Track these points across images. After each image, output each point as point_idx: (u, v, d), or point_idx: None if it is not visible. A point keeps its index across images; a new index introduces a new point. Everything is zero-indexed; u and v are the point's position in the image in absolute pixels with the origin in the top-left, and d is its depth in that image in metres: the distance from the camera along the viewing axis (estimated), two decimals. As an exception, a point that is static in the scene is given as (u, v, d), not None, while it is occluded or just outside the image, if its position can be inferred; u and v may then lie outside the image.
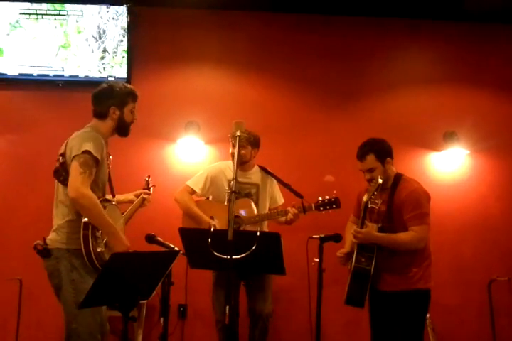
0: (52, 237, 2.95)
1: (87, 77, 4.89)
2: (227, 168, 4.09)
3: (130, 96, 3.10)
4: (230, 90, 5.07)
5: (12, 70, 4.86)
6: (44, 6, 4.85)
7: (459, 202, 5.04)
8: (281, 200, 4.22)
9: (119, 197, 3.27)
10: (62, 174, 2.94)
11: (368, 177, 3.43)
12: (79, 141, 2.90)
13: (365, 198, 3.33)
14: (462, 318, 4.91)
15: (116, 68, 4.89)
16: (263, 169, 4.17)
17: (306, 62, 5.12)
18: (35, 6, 4.84)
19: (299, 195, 4.03)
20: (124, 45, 4.88)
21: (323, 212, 3.93)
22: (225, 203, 3.90)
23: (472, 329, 4.91)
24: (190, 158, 4.97)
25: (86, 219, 2.87)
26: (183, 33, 5.05)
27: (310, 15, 5.13)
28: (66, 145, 2.97)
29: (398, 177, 3.43)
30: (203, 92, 5.01)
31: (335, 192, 4.05)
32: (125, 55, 4.88)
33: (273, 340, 4.25)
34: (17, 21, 4.84)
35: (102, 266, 2.83)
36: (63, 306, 2.90)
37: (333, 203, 3.91)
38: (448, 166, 5.11)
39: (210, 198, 4.11)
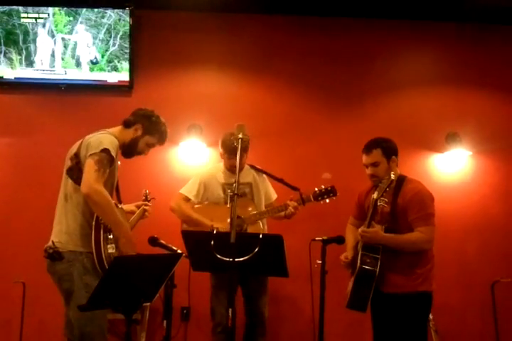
0: (63, 240, 2.94)
1: (90, 80, 4.90)
2: (218, 171, 4.09)
3: (159, 133, 3.24)
4: (232, 93, 5.08)
5: (10, 73, 4.86)
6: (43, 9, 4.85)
7: (462, 203, 5.03)
8: (274, 195, 4.21)
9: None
10: (75, 173, 2.96)
11: (370, 172, 3.41)
12: (96, 141, 2.95)
13: (375, 195, 3.28)
14: (465, 319, 4.90)
15: (119, 71, 4.90)
16: (253, 167, 4.14)
17: (309, 65, 5.12)
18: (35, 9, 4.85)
19: (294, 188, 4.01)
20: (126, 49, 4.89)
21: (322, 202, 3.94)
22: (226, 205, 3.89)
23: (475, 330, 4.90)
24: (193, 160, 4.97)
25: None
26: (185, 36, 5.05)
27: (312, 18, 5.12)
28: (81, 145, 2.99)
29: (401, 179, 3.42)
30: (205, 95, 5.02)
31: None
32: (127, 59, 4.89)
33: (276, 342, 4.26)
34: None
35: (106, 269, 2.85)
36: (74, 310, 2.81)
37: (330, 192, 3.93)
38: (450, 167, 5.11)
39: (206, 203, 4.11)
